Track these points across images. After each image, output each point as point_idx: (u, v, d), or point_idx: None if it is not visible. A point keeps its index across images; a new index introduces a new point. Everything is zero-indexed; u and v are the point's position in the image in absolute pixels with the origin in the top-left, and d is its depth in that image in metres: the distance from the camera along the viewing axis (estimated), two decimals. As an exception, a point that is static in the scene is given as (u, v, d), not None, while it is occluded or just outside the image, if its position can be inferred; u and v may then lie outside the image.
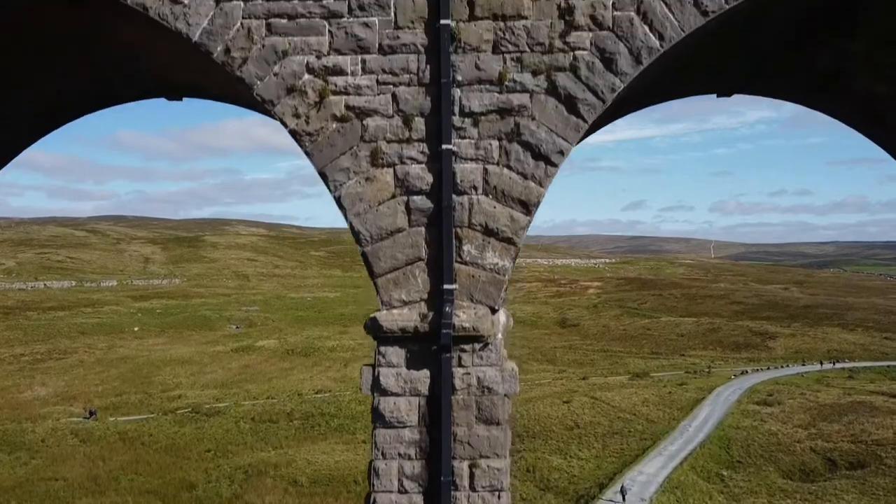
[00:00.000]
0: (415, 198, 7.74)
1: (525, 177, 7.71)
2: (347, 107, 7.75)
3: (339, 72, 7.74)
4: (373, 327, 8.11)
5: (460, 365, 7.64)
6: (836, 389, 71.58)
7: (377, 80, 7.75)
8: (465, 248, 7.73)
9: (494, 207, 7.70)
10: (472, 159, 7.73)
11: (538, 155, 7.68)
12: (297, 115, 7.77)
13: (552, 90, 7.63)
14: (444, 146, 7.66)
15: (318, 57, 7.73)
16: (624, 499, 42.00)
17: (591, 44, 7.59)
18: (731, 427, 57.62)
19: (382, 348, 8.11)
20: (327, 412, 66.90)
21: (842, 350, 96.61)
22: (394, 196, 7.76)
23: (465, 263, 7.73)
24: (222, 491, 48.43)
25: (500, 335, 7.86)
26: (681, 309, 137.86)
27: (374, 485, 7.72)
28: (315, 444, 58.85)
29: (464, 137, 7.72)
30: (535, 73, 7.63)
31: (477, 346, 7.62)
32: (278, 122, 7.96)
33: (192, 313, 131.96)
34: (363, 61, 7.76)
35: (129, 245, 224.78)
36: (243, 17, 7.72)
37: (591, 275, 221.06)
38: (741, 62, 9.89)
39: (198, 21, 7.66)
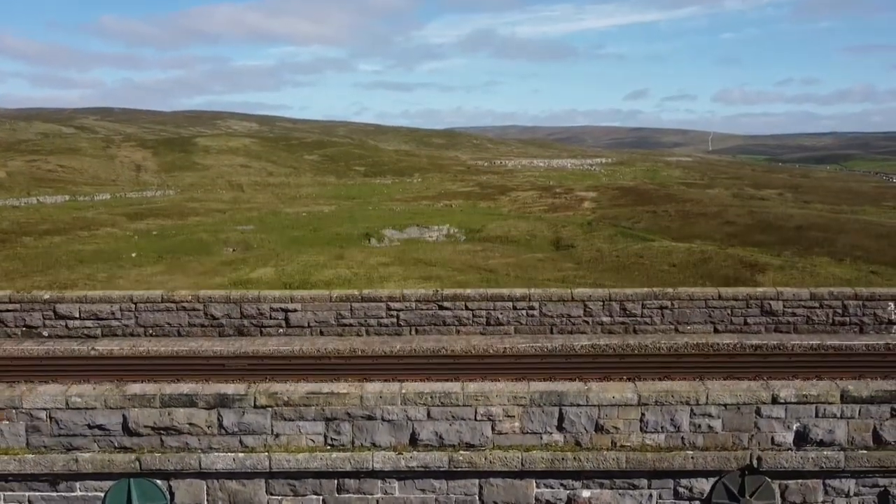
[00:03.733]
0: None
1: None
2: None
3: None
4: None
5: None
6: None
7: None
8: None
9: None
10: None
11: None
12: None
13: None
14: None
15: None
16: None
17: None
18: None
19: None
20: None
21: (828, 287, 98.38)
22: None
23: None
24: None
25: None
26: (674, 231, 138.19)
27: None
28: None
29: None
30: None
31: None
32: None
33: (189, 236, 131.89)
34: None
35: (120, 150, 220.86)
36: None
37: (587, 181, 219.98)
38: None
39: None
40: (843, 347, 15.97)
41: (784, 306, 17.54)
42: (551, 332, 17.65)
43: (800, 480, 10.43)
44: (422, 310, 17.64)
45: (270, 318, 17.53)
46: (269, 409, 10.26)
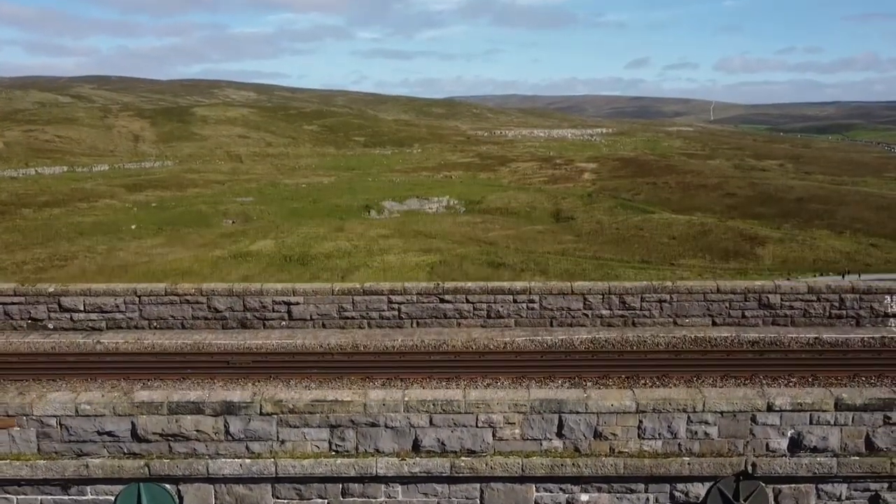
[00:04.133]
0: None
1: None
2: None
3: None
4: None
5: None
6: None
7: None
8: None
9: None
10: None
11: None
12: None
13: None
14: None
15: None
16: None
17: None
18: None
19: None
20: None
21: (827, 260, 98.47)
22: None
23: None
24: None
25: None
26: (674, 203, 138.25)
27: None
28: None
29: None
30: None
31: None
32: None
33: (188, 208, 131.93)
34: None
35: (118, 119, 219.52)
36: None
37: (587, 152, 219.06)
38: None
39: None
40: (840, 342, 16.16)
41: (782, 299, 17.70)
42: (551, 325, 17.84)
43: (793, 485, 10.71)
44: (423, 303, 17.80)
45: (273, 311, 17.70)
46: (275, 416, 10.48)
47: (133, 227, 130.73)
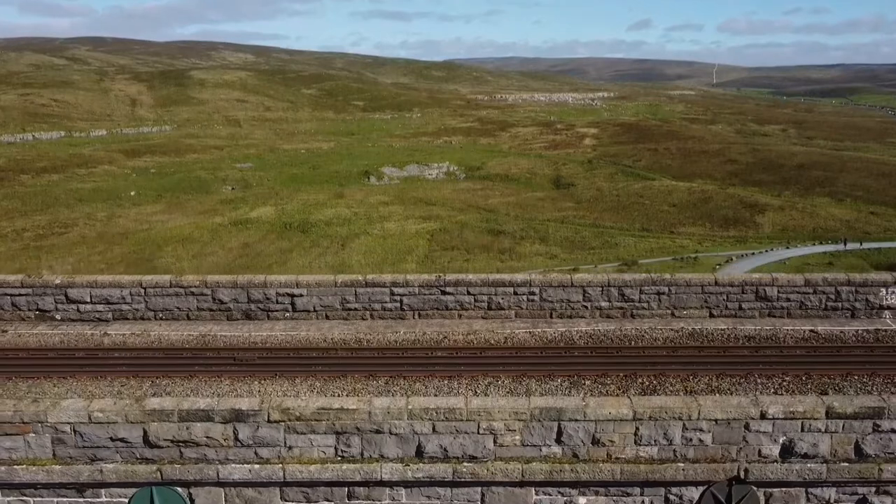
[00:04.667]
0: None
1: None
2: None
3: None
4: None
5: None
6: (815, 284, 74.71)
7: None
8: None
9: None
10: None
11: None
12: None
13: None
14: None
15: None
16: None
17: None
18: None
19: None
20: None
21: (827, 228, 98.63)
22: None
23: None
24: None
25: None
26: (675, 169, 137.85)
27: None
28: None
29: None
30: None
31: None
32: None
33: (187, 174, 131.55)
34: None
35: (114, 83, 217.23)
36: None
37: (588, 117, 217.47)
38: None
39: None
40: (834, 336, 16.46)
41: (778, 292, 17.95)
42: (551, 317, 18.13)
43: (783, 489, 11.10)
44: (425, 294, 18.04)
45: (277, 303, 17.96)
46: (282, 423, 10.80)
47: (132, 193, 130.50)
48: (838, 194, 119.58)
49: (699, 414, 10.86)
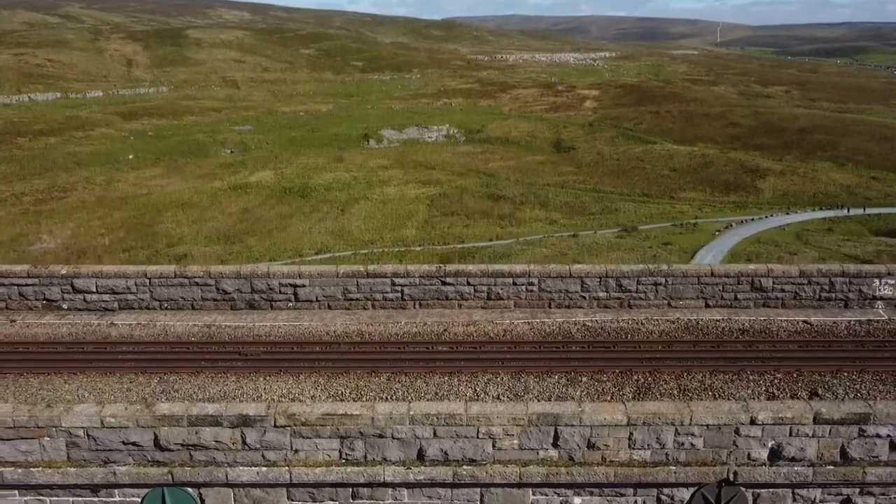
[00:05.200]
0: None
1: None
2: None
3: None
4: None
5: None
6: (811, 252, 74.84)
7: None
8: None
9: None
10: None
11: None
12: None
13: None
14: None
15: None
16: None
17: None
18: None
19: None
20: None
21: (828, 194, 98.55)
22: None
23: None
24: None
25: None
26: (676, 132, 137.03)
27: None
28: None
29: None
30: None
31: None
32: None
33: (186, 137, 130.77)
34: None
35: (109, 42, 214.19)
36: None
37: (589, 78, 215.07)
38: None
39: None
40: (826, 329, 16.80)
41: (774, 283, 18.23)
42: (549, 307, 18.44)
43: (771, 490, 11.54)
44: (425, 285, 18.32)
45: (280, 293, 18.25)
46: (288, 428, 11.18)
47: (130, 157, 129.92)
48: (840, 158, 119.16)
49: (691, 419, 11.24)
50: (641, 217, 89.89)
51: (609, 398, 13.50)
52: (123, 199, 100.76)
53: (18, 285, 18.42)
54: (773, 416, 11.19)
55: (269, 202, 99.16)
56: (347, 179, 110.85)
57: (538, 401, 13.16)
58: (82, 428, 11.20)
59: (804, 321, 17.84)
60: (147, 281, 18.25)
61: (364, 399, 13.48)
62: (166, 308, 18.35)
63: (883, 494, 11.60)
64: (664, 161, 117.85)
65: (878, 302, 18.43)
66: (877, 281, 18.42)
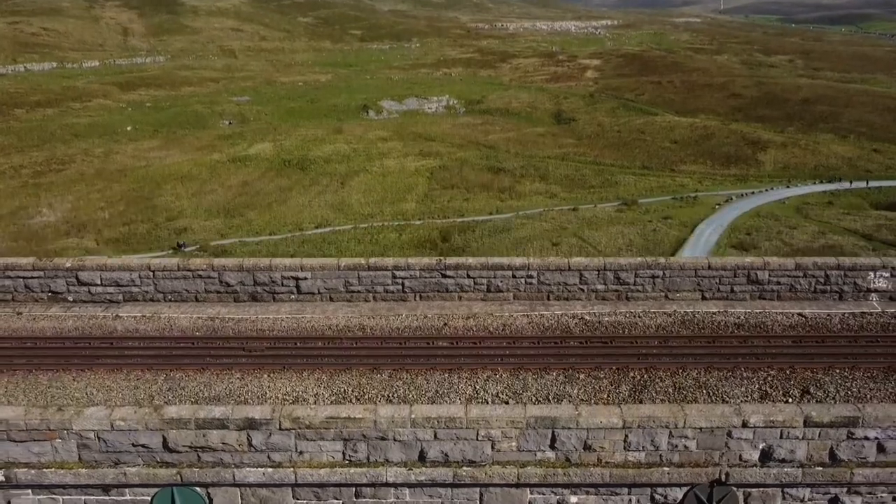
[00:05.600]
0: None
1: None
2: None
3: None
4: None
5: None
6: (811, 226, 74.96)
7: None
8: None
9: None
10: None
11: None
12: None
13: None
14: None
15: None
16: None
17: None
18: (705, 280, 61.80)
19: None
20: (329, 254, 70.48)
21: (829, 166, 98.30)
22: None
23: None
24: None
25: None
26: (678, 103, 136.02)
27: None
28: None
29: None
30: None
31: None
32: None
33: (184, 108, 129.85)
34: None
35: (104, 11, 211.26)
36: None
37: (591, 47, 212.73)
38: None
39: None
40: (820, 324, 17.06)
41: (770, 275, 18.45)
42: (548, 299, 18.68)
43: (761, 489, 11.91)
44: (425, 277, 18.54)
45: (282, 286, 18.47)
46: (293, 430, 11.49)
47: (129, 128, 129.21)
48: (842, 130, 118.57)
49: (685, 423, 11.55)
50: (641, 190, 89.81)
51: (606, 396, 13.84)
52: (122, 171, 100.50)
53: (24, 278, 18.63)
54: (764, 420, 11.50)
55: (269, 175, 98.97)
56: (347, 151, 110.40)
57: (536, 400, 13.50)
58: (93, 431, 11.51)
59: (799, 314, 18.11)
60: (151, 274, 18.47)
61: (366, 397, 13.82)
62: (170, 300, 18.60)
63: (870, 493, 11.98)
64: (665, 133, 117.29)
65: (873, 294, 18.68)
66: (871, 274, 18.65)
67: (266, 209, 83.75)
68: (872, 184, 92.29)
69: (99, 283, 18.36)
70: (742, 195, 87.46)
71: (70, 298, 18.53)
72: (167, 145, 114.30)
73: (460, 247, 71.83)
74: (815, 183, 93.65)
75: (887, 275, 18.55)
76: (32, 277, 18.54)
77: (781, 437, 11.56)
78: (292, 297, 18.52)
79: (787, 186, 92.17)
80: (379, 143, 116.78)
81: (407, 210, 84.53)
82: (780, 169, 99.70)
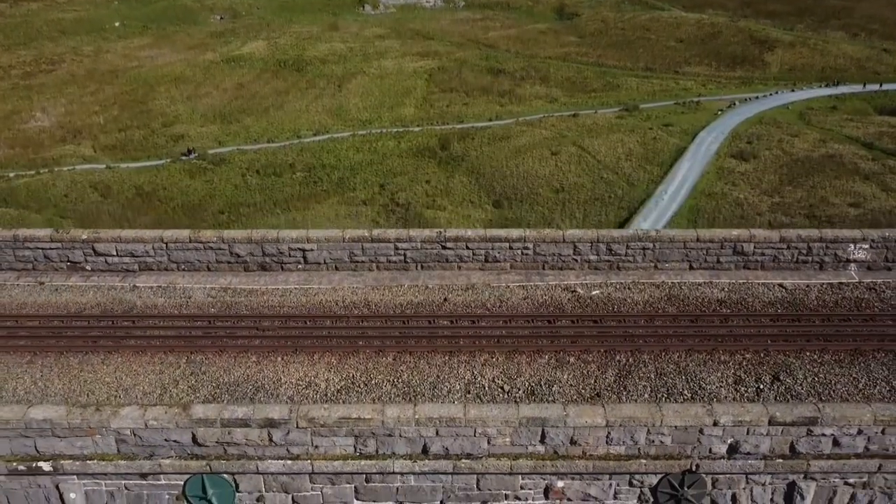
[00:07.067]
0: None
1: None
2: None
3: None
4: None
5: None
6: (813, 133, 74.63)
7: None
8: None
9: None
10: None
11: None
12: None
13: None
14: None
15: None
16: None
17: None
18: (702, 194, 62.49)
19: None
20: (327, 163, 70.58)
21: (836, 68, 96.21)
22: None
23: None
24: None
25: None
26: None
27: None
28: (319, 205, 64.01)
29: None
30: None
31: None
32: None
33: (173, 2, 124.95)
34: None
35: None
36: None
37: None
38: None
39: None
40: (797, 300, 18.05)
41: (755, 248, 19.27)
42: (543, 269, 19.59)
43: (728, 475, 13.35)
44: (426, 249, 19.36)
45: (290, 256, 19.31)
46: (309, 428, 12.76)
47: (116, 24, 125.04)
48: (853, 27, 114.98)
49: (661, 422, 12.82)
50: (644, 94, 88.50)
51: (593, 381, 15.08)
52: (114, 72, 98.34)
53: (43, 249, 19.45)
54: (733, 419, 12.77)
55: (264, 76, 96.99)
56: (343, 51, 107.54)
57: (530, 386, 14.75)
58: (129, 428, 12.80)
59: (780, 285, 19.11)
60: (164, 245, 19.26)
61: (373, 382, 15.05)
62: (183, 270, 19.52)
63: (824, 479, 13.44)
64: (671, 31, 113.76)
65: (852, 265, 19.61)
66: (851, 245, 19.49)
67: (263, 114, 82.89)
68: (884, 86, 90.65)
69: (115, 253, 19.21)
70: (746, 100, 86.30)
71: (88, 268, 19.43)
72: (158, 43, 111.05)
73: (459, 155, 71.89)
74: (820, 86, 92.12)
75: (867, 246, 19.41)
76: (51, 248, 19.35)
77: (748, 433, 12.88)
78: (299, 266, 19.42)
79: (793, 90, 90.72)
80: (376, 42, 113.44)
81: (405, 115, 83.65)
82: (787, 71, 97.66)
